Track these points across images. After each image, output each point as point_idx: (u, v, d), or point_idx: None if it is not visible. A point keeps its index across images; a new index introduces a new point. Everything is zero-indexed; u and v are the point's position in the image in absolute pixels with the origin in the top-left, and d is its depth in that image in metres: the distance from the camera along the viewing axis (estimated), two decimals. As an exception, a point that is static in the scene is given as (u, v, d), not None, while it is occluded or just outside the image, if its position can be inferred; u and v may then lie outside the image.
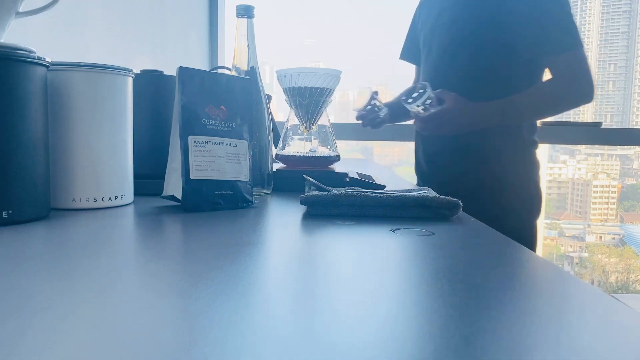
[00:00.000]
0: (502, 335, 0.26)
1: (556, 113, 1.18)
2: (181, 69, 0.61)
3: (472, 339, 0.25)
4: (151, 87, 0.75)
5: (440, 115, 1.08)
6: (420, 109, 1.09)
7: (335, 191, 0.66)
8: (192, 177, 0.59)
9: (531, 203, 1.18)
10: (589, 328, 0.28)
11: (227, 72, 0.82)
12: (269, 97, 0.83)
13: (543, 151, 1.40)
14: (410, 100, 1.10)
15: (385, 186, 0.81)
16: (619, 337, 0.26)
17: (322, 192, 0.62)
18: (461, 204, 0.60)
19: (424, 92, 1.08)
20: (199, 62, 2.05)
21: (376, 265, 0.39)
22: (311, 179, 0.70)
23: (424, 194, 0.61)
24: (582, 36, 1.10)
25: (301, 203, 0.60)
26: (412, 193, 0.66)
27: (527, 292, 0.35)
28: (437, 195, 0.60)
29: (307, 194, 0.62)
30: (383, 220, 0.57)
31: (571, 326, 0.28)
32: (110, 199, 0.60)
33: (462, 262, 0.42)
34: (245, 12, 0.75)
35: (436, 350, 0.24)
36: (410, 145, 1.38)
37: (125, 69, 0.61)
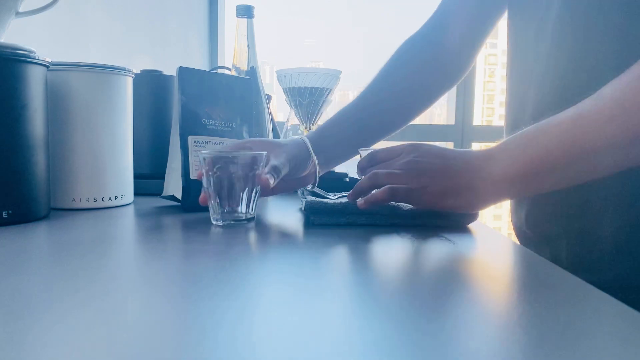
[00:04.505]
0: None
1: None
2: (181, 69, 0.61)
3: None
4: (151, 87, 0.75)
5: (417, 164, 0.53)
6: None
7: (332, 196, 0.63)
8: (192, 177, 0.59)
9: None
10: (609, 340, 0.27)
11: (227, 72, 0.82)
12: (269, 97, 0.83)
13: None
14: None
15: (385, 186, 0.81)
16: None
17: (319, 198, 0.57)
18: (478, 212, 0.55)
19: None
20: (199, 62, 2.05)
21: (377, 266, 0.39)
22: None
23: None
24: None
25: (304, 210, 0.55)
26: None
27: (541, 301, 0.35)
28: None
29: (303, 199, 0.58)
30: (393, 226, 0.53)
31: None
32: (110, 199, 0.60)
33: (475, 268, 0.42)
34: (245, 12, 0.75)
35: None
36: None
37: (125, 69, 0.61)
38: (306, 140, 0.63)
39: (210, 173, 0.51)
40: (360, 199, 0.54)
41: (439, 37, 0.73)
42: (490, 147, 0.52)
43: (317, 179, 0.63)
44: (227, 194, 0.51)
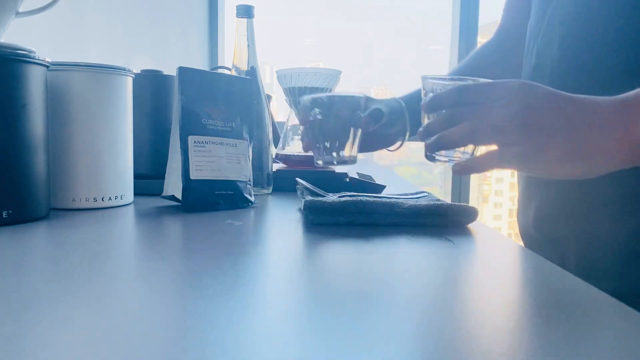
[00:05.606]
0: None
1: None
2: (181, 69, 0.61)
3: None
4: (151, 87, 0.75)
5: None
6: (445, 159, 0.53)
7: (331, 196, 0.62)
8: (192, 177, 0.59)
9: None
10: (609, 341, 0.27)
11: (227, 72, 0.82)
12: (269, 97, 0.83)
13: None
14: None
15: (385, 186, 0.81)
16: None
17: (319, 198, 0.57)
18: (477, 211, 0.53)
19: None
20: (199, 62, 2.05)
21: (376, 266, 0.39)
22: (304, 183, 0.65)
23: (438, 203, 0.55)
24: None
25: (303, 209, 0.54)
26: (417, 197, 0.65)
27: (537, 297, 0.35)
28: (452, 203, 0.55)
29: (302, 199, 0.57)
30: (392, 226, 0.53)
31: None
32: (110, 199, 0.60)
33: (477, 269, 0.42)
34: (245, 12, 0.74)
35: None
36: (411, 145, 1.24)
37: (125, 69, 0.61)
38: (399, 99, 0.68)
39: (310, 118, 0.54)
40: (453, 162, 0.46)
41: (501, 54, 0.80)
42: (625, 97, 0.40)
43: (407, 137, 0.67)
44: (328, 136, 0.53)
